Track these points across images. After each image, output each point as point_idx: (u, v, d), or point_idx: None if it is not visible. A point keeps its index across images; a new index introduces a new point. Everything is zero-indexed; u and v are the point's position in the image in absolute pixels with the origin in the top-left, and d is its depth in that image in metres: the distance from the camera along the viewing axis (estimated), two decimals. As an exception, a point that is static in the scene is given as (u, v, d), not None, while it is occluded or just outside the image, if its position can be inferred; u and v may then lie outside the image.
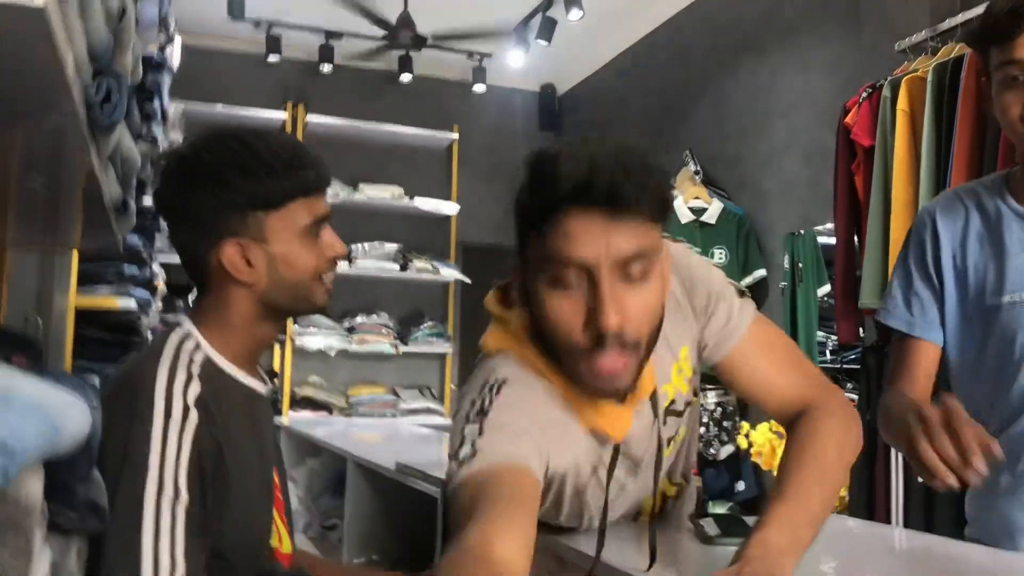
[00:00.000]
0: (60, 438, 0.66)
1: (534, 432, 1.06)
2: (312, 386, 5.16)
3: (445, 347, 5.37)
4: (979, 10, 2.69)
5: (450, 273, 5.31)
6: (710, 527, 1.32)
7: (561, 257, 1.00)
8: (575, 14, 4.37)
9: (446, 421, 5.10)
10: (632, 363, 1.05)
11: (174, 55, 3.03)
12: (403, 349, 5.26)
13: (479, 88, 5.47)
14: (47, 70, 0.62)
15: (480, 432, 1.04)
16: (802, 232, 3.91)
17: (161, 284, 3.30)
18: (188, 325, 1.23)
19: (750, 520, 1.22)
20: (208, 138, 1.23)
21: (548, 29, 4.63)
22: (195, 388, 1.12)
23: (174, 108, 3.15)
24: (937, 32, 2.88)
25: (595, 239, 0.98)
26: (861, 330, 3.13)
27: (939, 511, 2.53)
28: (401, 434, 3.88)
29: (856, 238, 3.04)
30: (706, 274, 1.22)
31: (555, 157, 1.00)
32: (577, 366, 1.06)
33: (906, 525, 2.62)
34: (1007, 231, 1.42)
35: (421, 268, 5.27)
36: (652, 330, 1.07)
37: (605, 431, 1.14)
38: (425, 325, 5.35)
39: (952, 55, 2.72)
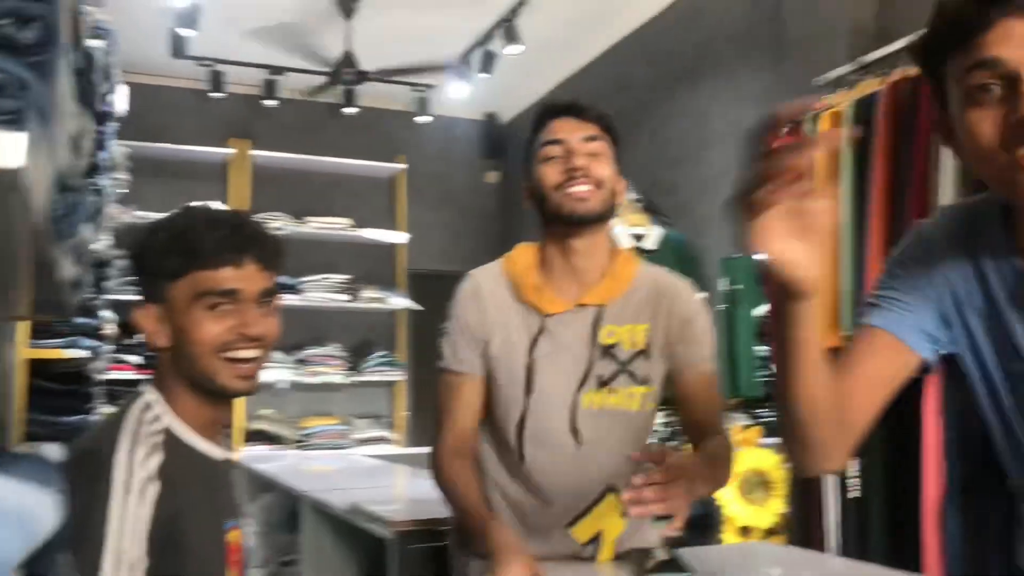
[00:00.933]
0: (37, 536, 0.73)
1: (476, 331, 1.65)
2: (264, 419, 5.18)
3: (396, 375, 5.42)
4: (900, 44, 2.83)
5: (399, 301, 5.38)
6: None
7: (546, 141, 1.64)
8: (514, 48, 4.48)
9: (399, 450, 5.15)
10: (596, 195, 1.61)
11: (118, 102, 3.07)
12: (354, 379, 5.30)
13: (423, 119, 5.55)
14: (18, 210, 0.70)
15: (445, 342, 1.67)
16: (738, 255, 4.05)
17: (110, 328, 3.32)
18: (149, 394, 1.29)
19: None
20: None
21: (489, 62, 4.74)
22: (155, 459, 1.19)
23: (118, 150, 3.19)
24: (857, 67, 3.02)
25: (569, 129, 1.63)
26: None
27: (873, 538, 2.64)
28: (355, 466, 3.92)
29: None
30: (706, 321, 1.70)
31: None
32: (557, 195, 1.61)
33: (844, 552, 2.73)
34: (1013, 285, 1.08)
35: (370, 298, 5.33)
36: (608, 184, 1.63)
37: (537, 304, 1.64)
38: (376, 354, 5.40)
39: (870, 91, 2.86)
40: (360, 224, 5.41)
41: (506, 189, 6.10)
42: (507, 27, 4.47)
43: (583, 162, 1.60)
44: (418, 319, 5.51)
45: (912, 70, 2.58)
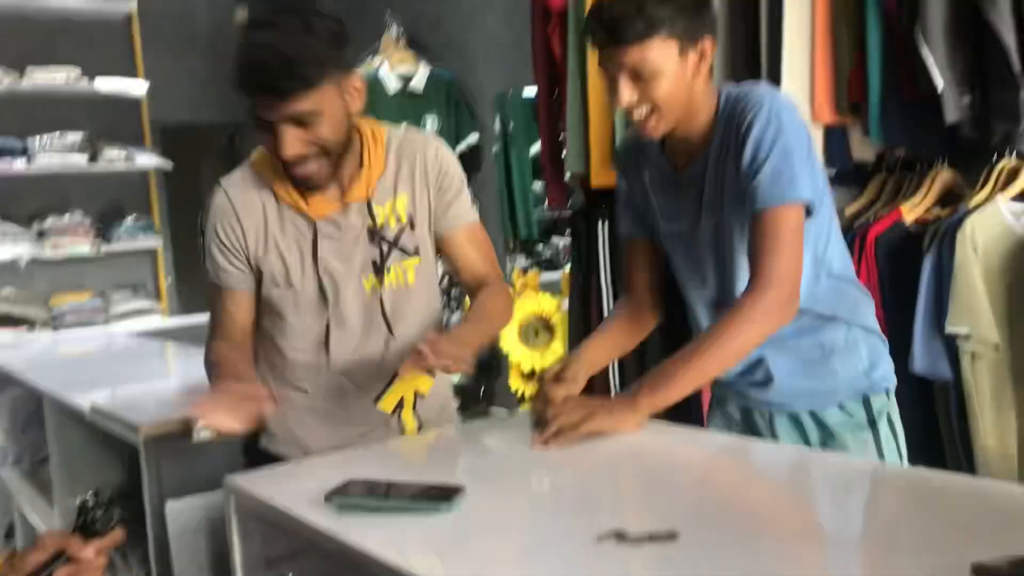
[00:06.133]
0: None
1: (236, 246, 1.61)
2: (6, 300, 4.62)
3: (153, 241, 4.97)
4: None
5: (148, 160, 4.86)
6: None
7: (259, 117, 1.47)
8: None
9: (165, 322, 4.79)
10: (319, 169, 1.52)
11: None
12: (105, 249, 4.80)
13: (153, -52, 4.86)
14: None
15: (207, 256, 1.64)
16: (510, 92, 3.89)
17: None
18: None
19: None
20: None
21: None
22: None
23: None
24: None
25: (271, 106, 1.45)
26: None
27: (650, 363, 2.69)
28: (113, 348, 3.58)
29: (559, 102, 3.05)
30: (457, 171, 1.71)
31: (240, 50, 1.48)
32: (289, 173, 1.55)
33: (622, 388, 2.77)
34: (662, 182, 1.67)
35: (114, 157, 4.77)
36: (334, 145, 1.52)
37: (304, 210, 1.61)
38: (128, 219, 4.90)
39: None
40: (92, 73, 4.74)
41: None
42: None
43: (290, 152, 1.48)
44: (172, 178, 5.01)
45: None
